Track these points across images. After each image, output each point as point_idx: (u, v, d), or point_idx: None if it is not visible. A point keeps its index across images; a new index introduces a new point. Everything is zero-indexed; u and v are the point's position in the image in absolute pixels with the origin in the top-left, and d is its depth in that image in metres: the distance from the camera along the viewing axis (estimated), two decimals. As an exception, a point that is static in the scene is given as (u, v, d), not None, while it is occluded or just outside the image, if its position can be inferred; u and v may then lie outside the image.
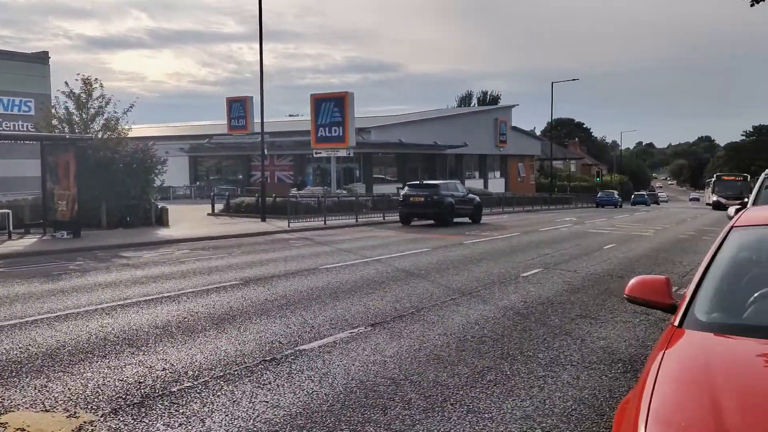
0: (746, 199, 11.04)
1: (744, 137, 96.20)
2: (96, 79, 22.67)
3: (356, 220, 26.97)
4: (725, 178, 57.17)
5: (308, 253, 15.17)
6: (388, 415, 4.75)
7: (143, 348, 6.60)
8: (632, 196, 73.91)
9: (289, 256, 14.47)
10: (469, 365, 6.01)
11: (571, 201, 59.72)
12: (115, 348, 6.60)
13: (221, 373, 5.73)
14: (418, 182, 27.60)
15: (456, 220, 26.10)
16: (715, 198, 52.24)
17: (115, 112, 22.77)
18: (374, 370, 5.82)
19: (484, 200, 42.04)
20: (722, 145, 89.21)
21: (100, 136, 22.54)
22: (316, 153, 36.06)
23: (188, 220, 26.02)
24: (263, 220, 25.74)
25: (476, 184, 57.36)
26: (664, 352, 2.76)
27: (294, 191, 36.43)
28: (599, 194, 60.86)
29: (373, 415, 4.76)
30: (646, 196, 75.83)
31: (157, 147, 23.91)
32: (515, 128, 66.47)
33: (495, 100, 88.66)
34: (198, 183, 53.95)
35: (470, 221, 27.31)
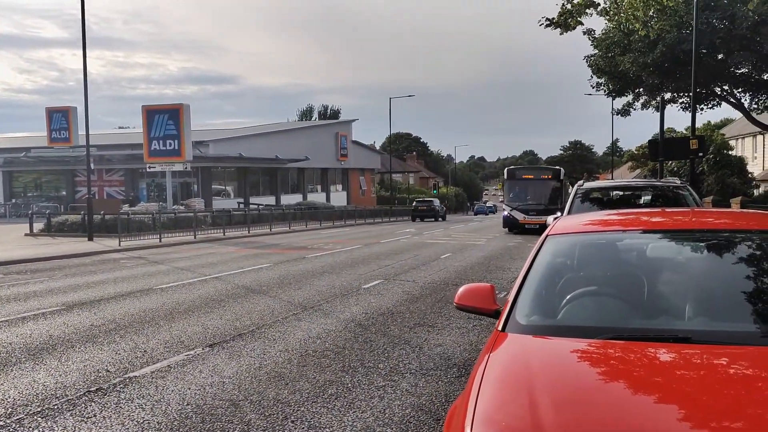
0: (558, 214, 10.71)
1: (562, 152, 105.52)
2: None
3: (195, 237, 25.95)
4: (525, 176, 32.37)
5: (141, 273, 14.31)
6: (226, 439, 4.57)
7: (-58, 388, 5.82)
8: (475, 206, 77.92)
9: (120, 277, 13.56)
10: (310, 380, 5.96)
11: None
12: None
13: (38, 409, 5.20)
14: (422, 199, 51.21)
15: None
16: (507, 211, 31.12)
17: None
18: (212, 393, 5.58)
19: (326, 214, 42.46)
20: (544, 158, 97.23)
21: None
22: (150, 167, 34.27)
23: (2, 241, 23.52)
24: (90, 239, 23.91)
25: (319, 197, 57.69)
26: (489, 356, 2.90)
27: (126, 207, 34.29)
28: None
29: (210, 440, 4.55)
30: (485, 207, 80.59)
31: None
32: (356, 142, 67.78)
33: (336, 114, 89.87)
34: (14, 200, 49.06)
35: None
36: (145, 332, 8.01)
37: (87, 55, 23.94)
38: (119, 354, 6.94)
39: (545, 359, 2.79)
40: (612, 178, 51.91)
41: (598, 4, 11.91)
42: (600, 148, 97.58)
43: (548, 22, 12.03)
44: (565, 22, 11.68)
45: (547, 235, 3.86)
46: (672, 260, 3.61)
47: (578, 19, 11.68)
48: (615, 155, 69.96)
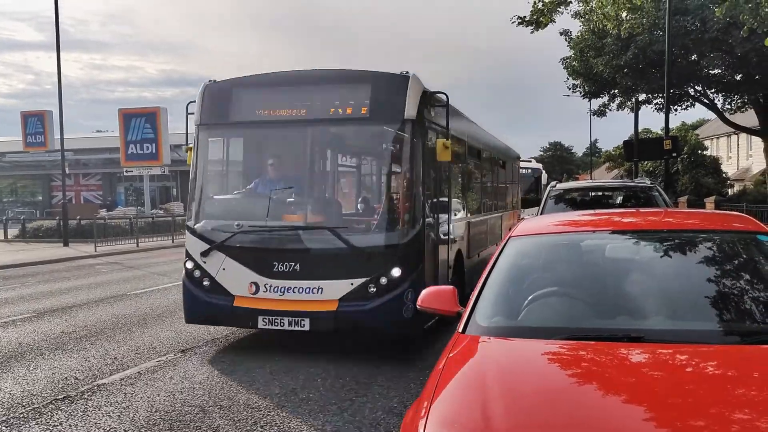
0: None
1: (542, 152, 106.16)
2: None
3: (173, 241, 25.73)
4: None
5: (116, 279, 14.16)
6: (194, 446, 4.54)
7: None
8: None
9: (94, 283, 13.41)
10: (281, 384, 5.94)
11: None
12: None
13: (3, 418, 5.12)
14: None
15: None
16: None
17: None
18: (181, 399, 5.54)
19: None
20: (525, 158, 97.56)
21: None
22: (127, 171, 33.95)
23: (-25, 247, 23.16)
24: (66, 244, 23.61)
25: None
26: (447, 358, 2.92)
27: (103, 212, 33.94)
28: None
29: (176, 447, 4.52)
30: None
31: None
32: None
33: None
34: (-12, 206, 48.31)
35: None
36: (116, 338, 7.93)
37: (64, 58, 23.66)
38: (89, 361, 6.86)
39: (501, 361, 2.82)
40: (591, 179, 52.44)
41: (569, 2, 12.04)
42: (579, 149, 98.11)
43: (520, 21, 12.15)
44: (536, 20, 11.78)
45: (509, 237, 3.89)
46: (632, 260, 3.66)
47: (549, 17, 11.79)
48: (594, 155, 70.64)
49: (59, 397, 5.65)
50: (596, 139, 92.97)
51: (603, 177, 54.42)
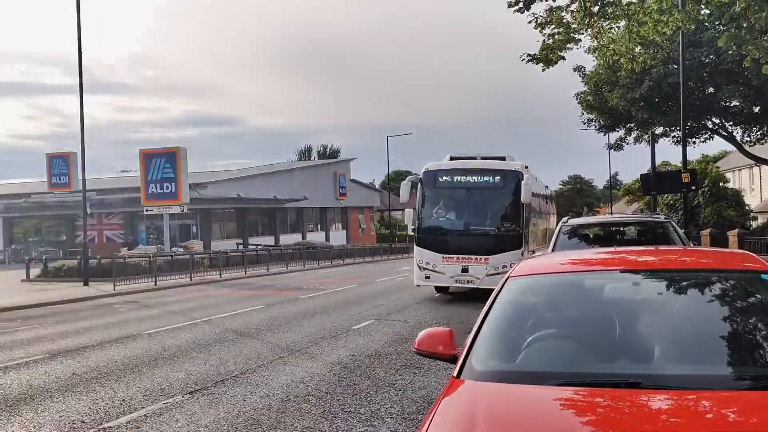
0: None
1: (562, 185, 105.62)
2: None
3: (191, 279, 25.88)
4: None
5: (132, 318, 14.22)
6: (194, 492, 4.47)
7: None
8: None
9: (110, 323, 13.47)
10: (288, 427, 5.86)
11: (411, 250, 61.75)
12: None
13: (6, 464, 5.10)
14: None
15: None
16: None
17: None
18: (185, 443, 5.48)
19: (324, 253, 42.27)
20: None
21: None
22: (147, 210, 34.39)
23: (-3, 288, 23.48)
24: (86, 284, 23.85)
25: (318, 236, 57.68)
26: (440, 403, 2.86)
27: (125, 251, 34.31)
28: None
29: (176, 493, 4.45)
30: None
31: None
32: (354, 181, 68.07)
33: (335, 153, 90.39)
34: (14, 246, 49.12)
35: None
36: (125, 380, 7.92)
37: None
38: (97, 403, 6.85)
39: (493, 407, 2.74)
40: (611, 212, 51.99)
41: (579, 40, 12.08)
42: (600, 182, 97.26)
43: (530, 58, 12.22)
44: (546, 57, 11.84)
45: (508, 277, 3.83)
46: (635, 301, 3.57)
47: (559, 54, 11.84)
48: (614, 188, 70.04)
49: (64, 441, 5.63)
50: (616, 172, 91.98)
51: (622, 210, 53.96)
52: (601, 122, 26.72)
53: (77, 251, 38.38)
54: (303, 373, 8.10)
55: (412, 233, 16.47)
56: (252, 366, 8.55)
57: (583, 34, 12.01)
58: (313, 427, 5.88)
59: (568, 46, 11.89)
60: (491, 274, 14.38)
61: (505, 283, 3.76)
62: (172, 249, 34.78)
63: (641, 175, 22.86)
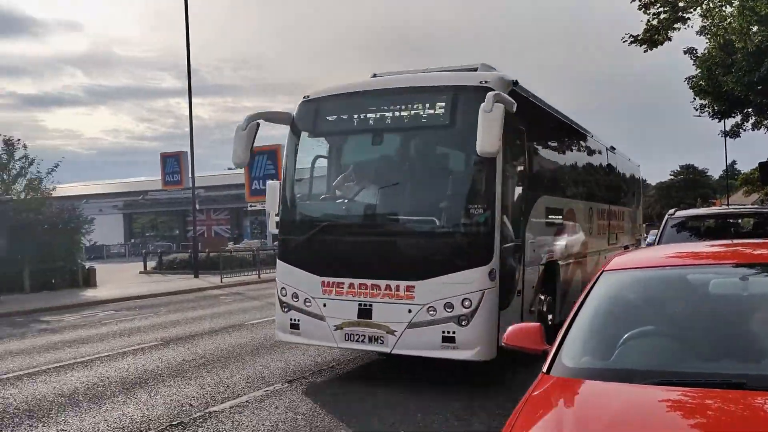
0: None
1: (672, 176, 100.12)
2: (18, 140, 22.28)
3: (293, 273, 26.68)
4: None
5: (237, 309, 14.88)
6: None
7: (44, 419, 6.28)
8: None
9: (217, 313, 14.16)
10: (380, 418, 5.94)
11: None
12: (13, 421, 6.26)
13: (122, 442, 5.49)
14: None
15: None
16: None
17: (38, 172, 22.35)
18: (284, 429, 5.68)
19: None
20: (653, 184, 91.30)
21: (23, 197, 21.91)
22: (251, 206, 35.81)
23: (118, 279, 25.23)
24: (196, 276, 25.18)
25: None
26: (528, 398, 2.81)
27: (231, 245, 35.92)
28: None
29: (274, 477, 4.62)
30: None
31: (82, 207, 23.39)
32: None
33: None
34: (133, 240, 52.63)
35: None
36: (230, 367, 8.30)
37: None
38: (204, 389, 7.22)
39: (583, 405, 2.66)
40: (728, 204, 48.84)
41: (687, 19, 11.39)
42: (715, 171, 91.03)
43: (633, 39, 11.65)
44: (651, 38, 11.24)
45: (602, 271, 3.69)
46: (737, 297, 3.35)
47: (665, 35, 11.22)
48: (732, 178, 65.61)
49: (174, 422, 5.98)
50: (734, 161, 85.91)
51: (741, 202, 50.50)
52: (715, 108, 25.09)
53: (188, 245, 40.57)
54: (397, 361, 8.16)
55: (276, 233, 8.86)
56: (348, 357, 8.71)
57: (691, 12, 11.32)
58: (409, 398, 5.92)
59: (675, 26, 11.25)
60: (420, 324, 6.66)
61: (599, 277, 3.63)
62: (274, 243, 35.97)
63: (760, 163, 21.24)
